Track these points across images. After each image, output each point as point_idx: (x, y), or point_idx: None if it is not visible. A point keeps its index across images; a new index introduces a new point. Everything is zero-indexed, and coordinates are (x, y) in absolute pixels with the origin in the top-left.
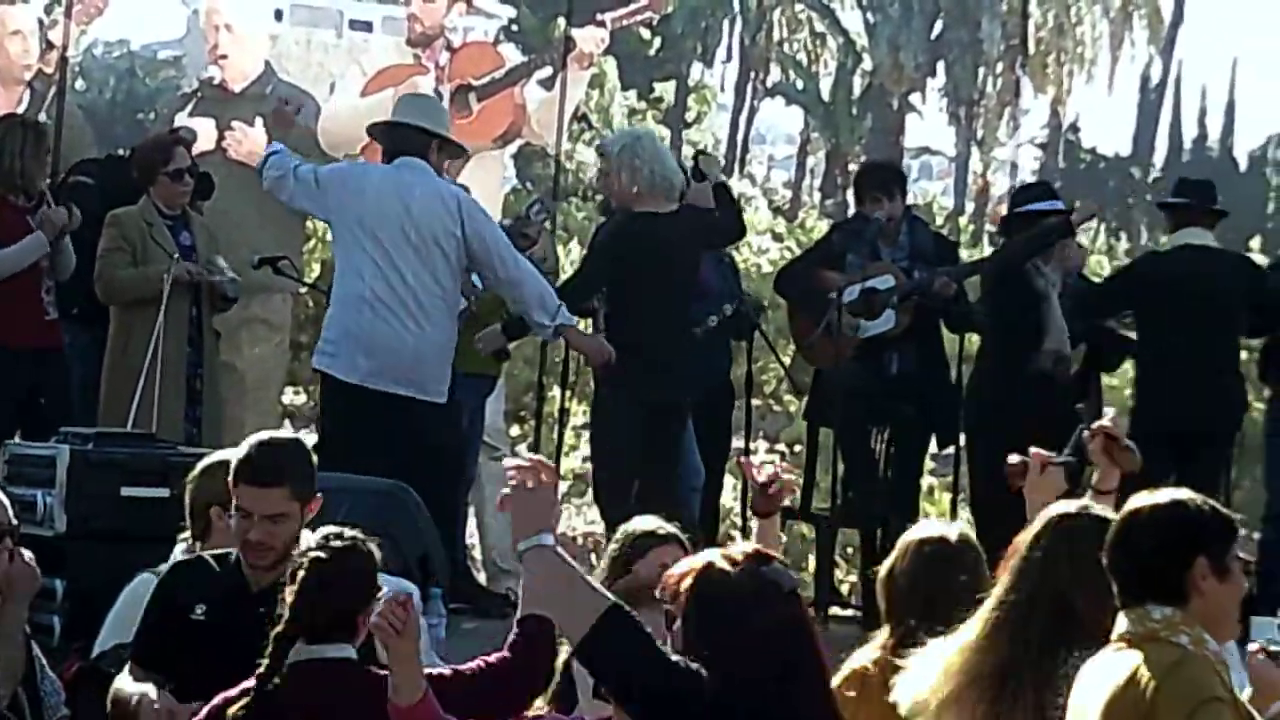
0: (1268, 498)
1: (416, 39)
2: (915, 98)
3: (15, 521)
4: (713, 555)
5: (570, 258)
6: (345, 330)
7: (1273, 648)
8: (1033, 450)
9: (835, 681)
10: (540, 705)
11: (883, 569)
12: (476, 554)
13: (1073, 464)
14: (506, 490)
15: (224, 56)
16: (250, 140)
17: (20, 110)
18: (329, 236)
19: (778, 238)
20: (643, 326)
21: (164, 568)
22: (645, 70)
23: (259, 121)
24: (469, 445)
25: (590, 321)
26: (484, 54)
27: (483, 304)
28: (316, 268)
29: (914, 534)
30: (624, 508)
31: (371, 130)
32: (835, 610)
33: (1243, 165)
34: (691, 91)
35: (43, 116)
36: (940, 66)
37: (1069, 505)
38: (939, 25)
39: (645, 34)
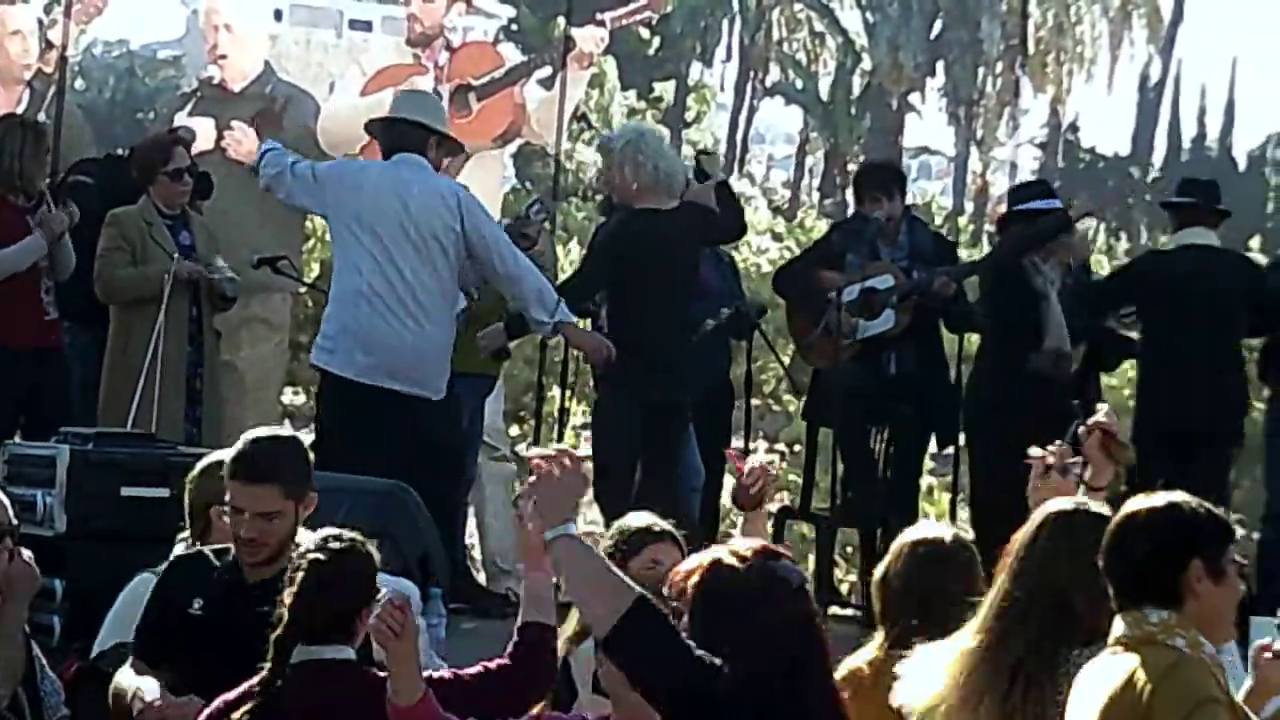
0: (1267, 498)
1: (416, 39)
2: (914, 97)
3: (15, 521)
4: (720, 552)
5: (570, 258)
6: (343, 326)
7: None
8: (1035, 452)
9: None
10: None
11: (877, 571)
12: (476, 554)
13: (1077, 468)
14: (532, 479)
15: (223, 56)
16: (250, 140)
17: (20, 110)
18: (328, 236)
19: (777, 237)
20: (643, 325)
21: (164, 567)
22: (645, 70)
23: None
24: (469, 445)
25: (589, 321)
26: (483, 54)
27: (483, 304)
28: (316, 267)
29: (908, 535)
30: (624, 507)
31: (369, 127)
32: (835, 610)
33: (1242, 165)
34: (691, 91)
35: (42, 116)
36: (939, 66)
37: (1065, 502)
38: (938, 25)
39: (645, 34)
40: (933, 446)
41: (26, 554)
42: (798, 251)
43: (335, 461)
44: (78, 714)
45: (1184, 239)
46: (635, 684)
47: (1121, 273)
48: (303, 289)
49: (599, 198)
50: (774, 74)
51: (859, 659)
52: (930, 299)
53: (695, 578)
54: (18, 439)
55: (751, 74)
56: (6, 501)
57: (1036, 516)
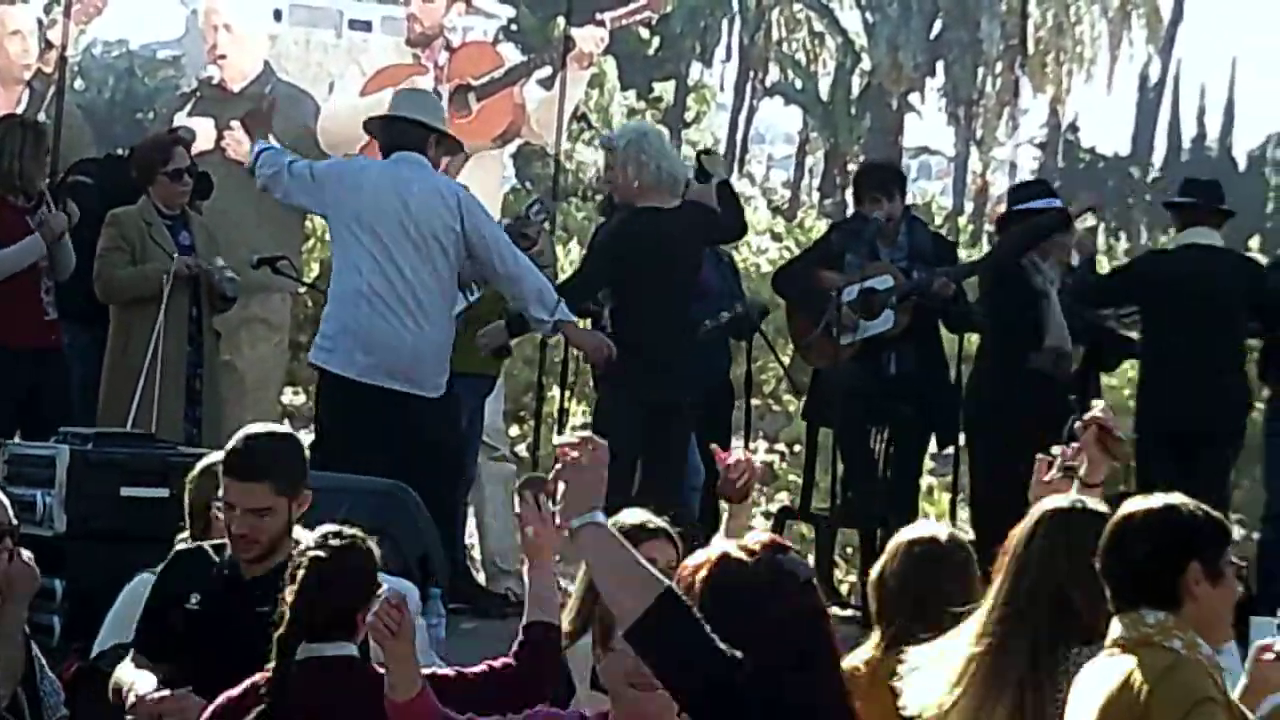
0: (1267, 498)
1: (416, 39)
2: (914, 97)
3: (15, 521)
4: (728, 546)
5: (570, 257)
6: (343, 325)
7: None
8: (1042, 456)
9: None
10: None
11: (874, 570)
12: (476, 554)
13: (1076, 470)
14: (558, 467)
15: (223, 56)
16: (249, 140)
17: (19, 110)
18: (328, 235)
19: (776, 237)
20: (643, 325)
21: (165, 561)
22: (644, 70)
23: None
24: (468, 445)
25: (589, 321)
26: (483, 54)
27: (483, 303)
28: (315, 267)
29: (904, 535)
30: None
31: (368, 125)
32: (834, 610)
33: (1242, 164)
34: (690, 91)
35: (42, 116)
36: (939, 66)
37: (1061, 500)
38: (938, 25)
39: (644, 34)
40: (933, 446)
41: (27, 554)
42: (797, 252)
43: (335, 461)
44: (77, 714)
45: (1186, 239)
46: (658, 675)
47: (1123, 270)
48: (302, 289)
49: (599, 198)
50: (774, 74)
51: (856, 659)
52: (930, 299)
53: (703, 572)
54: (17, 439)
55: (751, 74)
56: (6, 501)
57: (1033, 514)
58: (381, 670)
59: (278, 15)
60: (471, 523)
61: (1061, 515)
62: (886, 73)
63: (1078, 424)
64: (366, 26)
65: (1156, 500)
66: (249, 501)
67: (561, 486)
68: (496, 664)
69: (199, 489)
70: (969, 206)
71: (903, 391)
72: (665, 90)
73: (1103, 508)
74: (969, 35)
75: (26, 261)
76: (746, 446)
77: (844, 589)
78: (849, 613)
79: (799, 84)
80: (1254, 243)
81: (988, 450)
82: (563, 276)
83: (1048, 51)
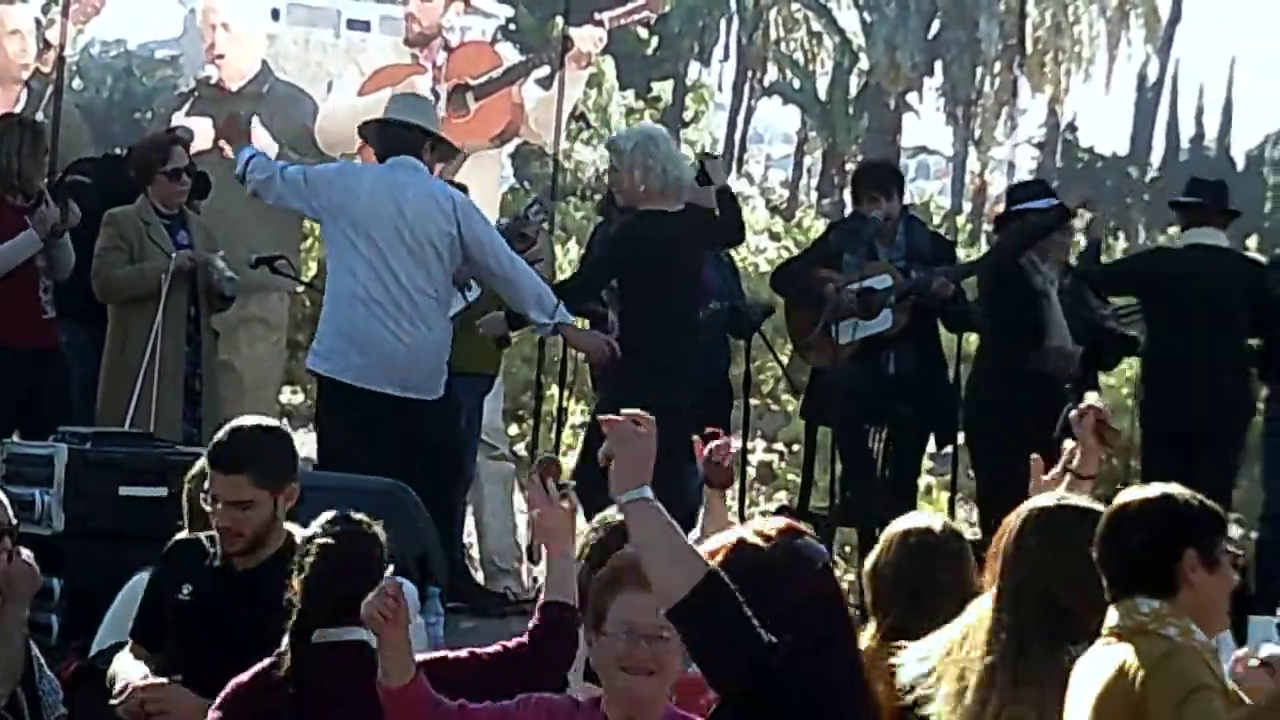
0: (1266, 497)
1: (414, 38)
2: (912, 97)
3: (14, 521)
4: (745, 531)
5: (569, 257)
6: (339, 330)
7: (1265, 653)
8: (1034, 457)
9: None
10: None
11: (868, 561)
12: (475, 553)
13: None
14: (609, 447)
15: (221, 56)
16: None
17: (17, 109)
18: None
19: (775, 237)
20: (645, 328)
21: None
22: (643, 69)
23: (256, 120)
24: (467, 445)
25: (589, 321)
26: (481, 53)
27: (482, 303)
28: (314, 266)
29: (898, 525)
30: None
31: (363, 130)
32: None
33: (1240, 164)
34: (689, 91)
35: (40, 116)
36: (938, 66)
37: (1046, 499)
38: (936, 24)
39: (643, 33)
40: (931, 446)
41: (27, 554)
42: (796, 251)
43: (336, 465)
44: (76, 713)
45: (1191, 238)
46: (698, 657)
47: (1127, 262)
48: (300, 288)
49: (597, 197)
50: (772, 74)
51: None
52: (928, 299)
53: (720, 557)
54: (16, 438)
55: (749, 74)
56: (5, 501)
57: (1019, 514)
58: None
59: (276, 15)
60: (470, 522)
61: (1047, 514)
62: (884, 72)
63: (1073, 413)
64: (365, 26)
65: (1153, 489)
66: (231, 494)
67: (613, 461)
68: (511, 644)
69: (197, 488)
70: (967, 206)
71: (901, 391)
72: (663, 90)
73: (1088, 503)
74: (967, 35)
75: (22, 257)
76: (745, 446)
77: (843, 587)
78: None
79: (797, 84)
80: (1252, 242)
81: (988, 450)
82: (562, 276)
83: (1046, 51)
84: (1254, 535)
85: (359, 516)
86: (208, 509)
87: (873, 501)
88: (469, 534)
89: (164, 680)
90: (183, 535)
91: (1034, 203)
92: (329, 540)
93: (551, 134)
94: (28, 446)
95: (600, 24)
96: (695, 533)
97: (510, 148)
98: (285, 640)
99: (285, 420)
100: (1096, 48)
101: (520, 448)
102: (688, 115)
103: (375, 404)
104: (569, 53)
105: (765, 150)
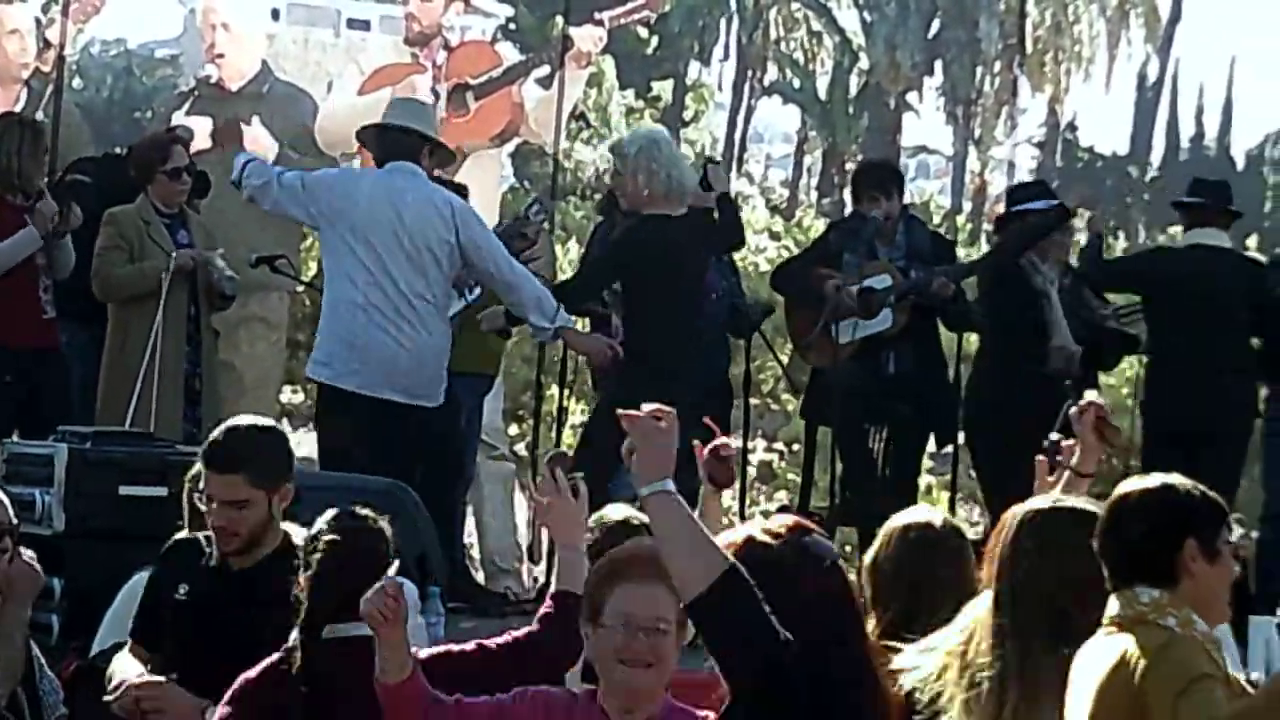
0: (1266, 497)
1: (414, 38)
2: (912, 96)
3: (15, 521)
4: (753, 529)
5: (569, 257)
6: (339, 338)
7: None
8: (1039, 459)
9: None
10: None
11: (867, 556)
12: (475, 553)
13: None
14: (631, 441)
15: (221, 55)
16: (247, 139)
17: (17, 109)
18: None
19: (775, 236)
20: (650, 333)
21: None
22: (643, 69)
23: (256, 120)
24: (467, 445)
25: (589, 321)
26: (481, 53)
27: (478, 304)
28: (314, 266)
29: (898, 520)
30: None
31: (361, 135)
32: None
33: (1240, 164)
34: (689, 90)
35: (40, 115)
36: (937, 65)
37: (1041, 501)
38: (936, 24)
39: (643, 33)
40: (931, 446)
41: (29, 554)
42: (796, 251)
43: (336, 469)
44: (76, 713)
45: (1193, 239)
46: (716, 651)
47: (1129, 260)
48: (300, 287)
49: (597, 196)
50: (772, 73)
51: None
52: (928, 299)
53: (729, 555)
54: (16, 438)
55: (749, 73)
56: (6, 501)
57: (1014, 516)
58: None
59: (276, 14)
60: (470, 522)
61: (1042, 516)
62: (884, 72)
63: (1073, 410)
64: (365, 25)
65: (1153, 479)
66: (225, 493)
67: (635, 454)
68: (520, 633)
69: (197, 488)
70: (967, 206)
71: (901, 391)
72: (663, 89)
73: (1084, 504)
74: (967, 34)
75: (22, 255)
76: (745, 446)
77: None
78: None
79: (797, 83)
80: (1252, 242)
81: (988, 451)
82: (562, 276)
83: (1046, 51)
84: (1254, 535)
85: (364, 512)
86: (202, 508)
87: (873, 501)
88: (469, 534)
89: (160, 679)
90: (181, 535)
91: (1034, 204)
92: (335, 536)
93: (551, 133)
94: (28, 446)
95: (600, 23)
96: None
97: (510, 147)
98: (294, 636)
99: (285, 420)
100: (1096, 47)
101: (520, 448)
102: (688, 115)
103: (377, 411)
104: (569, 52)
105: (765, 150)
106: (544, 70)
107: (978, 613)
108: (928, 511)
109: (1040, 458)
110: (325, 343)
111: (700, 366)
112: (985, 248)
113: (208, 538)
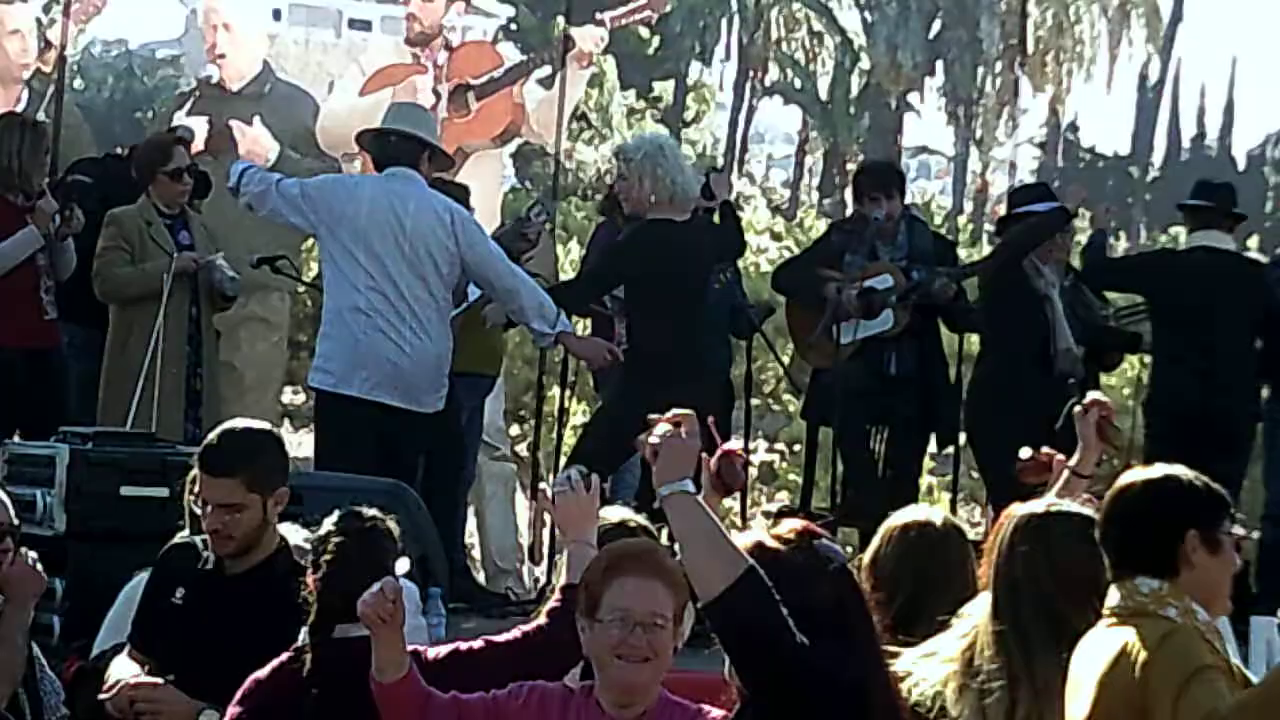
0: (1267, 497)
1: (415, 38)
2: (913, 97)
3: (16, 521)
4: (761, 534)
5: (570, 257)
6: (341, 344)
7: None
8: (1045, 450)
9: None
10: None
11: (866, 554)
12: (476, 554)
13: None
14: (654, 439)
15: (222, 56)
16: (248, 139)
17: (18, 109)
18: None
19: (776, 237)
20: (653, 337)
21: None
22: (644, 69)
23: (257, 120)
24: (468, 445)
25: (589, 321)
26: (482, 53)
27: (477, 304)
28: (315, 266)
29: (898, 519)
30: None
31: (360, 139)
32: None
33: (1241, 164)
34: (690, 90)
35: (41, 115)
36: (939, 65)
37: (1036, 505)
38: (937, 24)
39: (644, 33)
40: (932, 446)
41: (32, 556)
42: (797, 251)
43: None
44: (77, 714)
45: (1197, 241)
46: (733, 651)
47: (1134, 259)
48: (301, 288)
49: (599, 197)
50: (773, 73)
51: None
52: (930, 299)
53: None
54: (17, 438)
55: (750, 73)
56: (7, 501)
57: (1009, 519)
58: (409, 649)
59: (277, 15)
60: (471, 522)
61: (1037, 520)
62: (885, 72)
63: (1077, 408)
64: (366, 26)
65: (1155, 470)
66: (219, 496)
67: (658, 454)
68: (529, 627)
69: (193, 491)
70: (968, 206)
71: (902, 391)
72: (665, 90)
73: (1077, 508)
74: (968, 34)
75: (23, 254)
76: (746, 446)
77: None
78: None
79: (798, 83)
80: (1253, 242)
81: (989, 451)
82: (563, 276)
83: (1047, 51)
84: (1255, 535)
85: (371, 512)
86: (197, 511)
87: (874, 502)
88: (470, 534)
89: (156, 679)
90: (178, 538)
91: (1035, 206)
92: (344, 537)
93: (553, 134)
94: (29, 446)
95: (602, 24)
96: None
97: (511, 147)
98: (303, 636)
99: (286, 421)
100: (1098, 47)
101: (522, 448)
102: (689, 115)
103: (379, 416)
104: (570, 52)
105: (766, 150)
106: (545, 70)
107: (977, 618)
108: (927, 510)
109: (1046, 451)
110: (327, 349)
111: (702, 369)
112: (987, 248)
113: (205, 541)
